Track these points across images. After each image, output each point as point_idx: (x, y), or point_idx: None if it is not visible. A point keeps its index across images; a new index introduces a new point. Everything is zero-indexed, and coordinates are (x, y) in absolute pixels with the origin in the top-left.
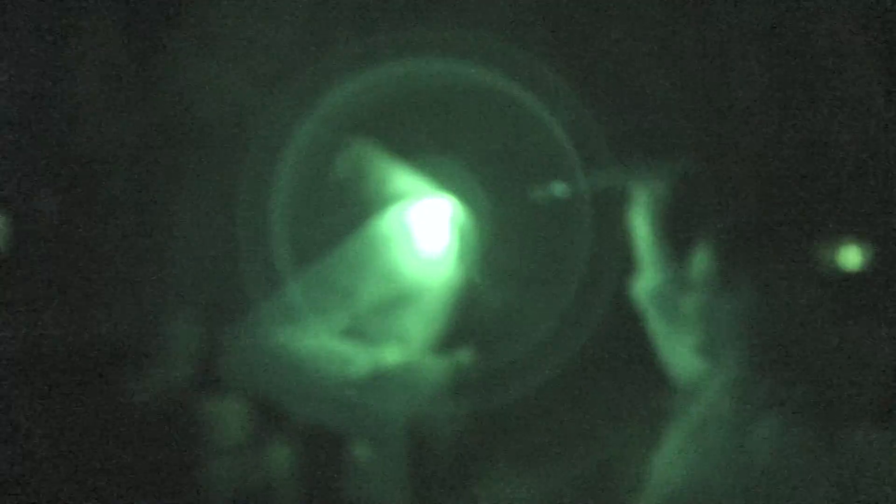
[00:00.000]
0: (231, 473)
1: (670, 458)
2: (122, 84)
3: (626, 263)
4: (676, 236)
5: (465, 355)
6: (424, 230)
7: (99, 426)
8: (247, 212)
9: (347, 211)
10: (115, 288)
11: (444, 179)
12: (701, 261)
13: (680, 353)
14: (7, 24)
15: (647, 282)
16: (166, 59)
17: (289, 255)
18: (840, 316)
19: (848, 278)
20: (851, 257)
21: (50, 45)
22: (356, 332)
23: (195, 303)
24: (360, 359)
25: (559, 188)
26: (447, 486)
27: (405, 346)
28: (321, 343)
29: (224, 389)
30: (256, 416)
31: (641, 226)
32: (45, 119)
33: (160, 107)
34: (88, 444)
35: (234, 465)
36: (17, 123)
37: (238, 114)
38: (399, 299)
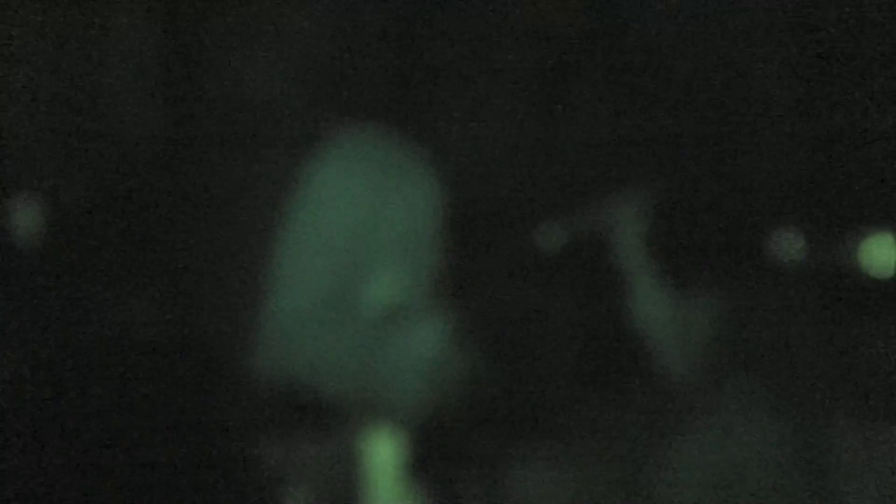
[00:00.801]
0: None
1: (668, 460)
2: (157, 76)
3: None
4: (671, 245)
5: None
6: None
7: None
8: (268, 206)
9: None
10: (145, 280)
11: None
12: (696, 267)
13: (679, 361)
14: (37, 18)
15: (642, 298)
16: (202, 51)
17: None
18: (846, 317)
19: (857, 278)
20: (859, 257)
21: (84, 36)
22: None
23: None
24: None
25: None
26: (471, 480)
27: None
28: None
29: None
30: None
31: (631, 249)
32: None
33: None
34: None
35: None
36: (52, 115)
37: (273, 110)
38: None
